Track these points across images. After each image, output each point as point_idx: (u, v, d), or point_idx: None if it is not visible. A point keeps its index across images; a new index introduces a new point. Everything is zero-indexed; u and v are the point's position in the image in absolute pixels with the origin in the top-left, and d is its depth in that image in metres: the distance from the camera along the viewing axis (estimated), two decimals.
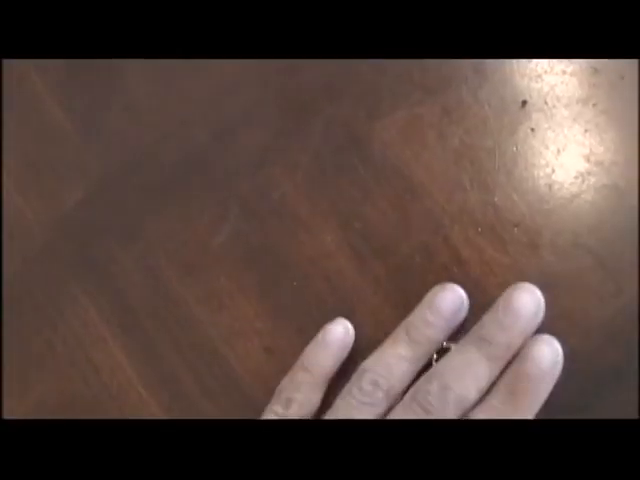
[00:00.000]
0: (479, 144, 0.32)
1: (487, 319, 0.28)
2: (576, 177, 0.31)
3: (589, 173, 0.31)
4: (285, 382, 0.31)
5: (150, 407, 0.33)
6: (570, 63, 0.32)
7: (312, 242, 0.32)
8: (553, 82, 0.32)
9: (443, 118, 0.33)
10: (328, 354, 0.30)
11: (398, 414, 0.28)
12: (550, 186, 0.31)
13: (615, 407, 0.28)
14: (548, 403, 0.29)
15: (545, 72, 0.32)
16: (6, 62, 0.39)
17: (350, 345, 0.31)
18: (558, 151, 0.31)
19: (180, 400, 0.33)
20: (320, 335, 0.31)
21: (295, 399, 0.30)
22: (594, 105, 0.32)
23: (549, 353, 0.27)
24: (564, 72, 0.32)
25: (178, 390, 0.33)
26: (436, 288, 0.30)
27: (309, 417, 0.30)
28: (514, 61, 0.33)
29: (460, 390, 0.27)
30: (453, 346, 0.29)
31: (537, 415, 0.27)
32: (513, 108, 0.32)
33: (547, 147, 0.31)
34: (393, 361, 0.29)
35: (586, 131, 0.31)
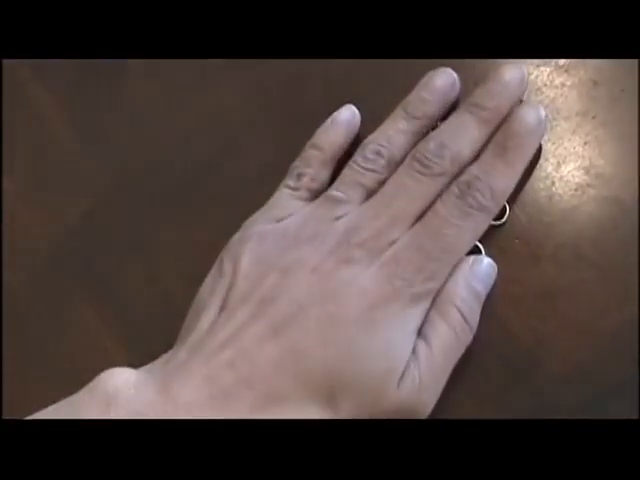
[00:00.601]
0: None
1: (478, 91, 0.31)
2: (576, 189, 0.31)
3: (589, 185, 0.31)
4: (297, 161, 0.33)
5: None
6: (569, 76, 0.32)
7: None
8: (553, 95, 0.32)
9: None
10: (336, 132, 0.33)
11: (399, 174, 0.30)
12: (550, 198, 0.31)
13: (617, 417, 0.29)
14: (549, 412, 0.29)
15: (545, 85, 0.33)
16: (8, 69, 0.39)
17: (357, 127, 0.33)
18: (558, 163, 0.32)
19: None
20: (329, 119, 0.33)
21: (306, 173, 0.32)
22: (594, 117, 0.32)
23: (533, 112, 0.30)
24: (564, 85, 0.32)
25: None
26: (430, 72, 0.32)
27: (318, 192, 0.32)
28: None
29: (455, 147, 0.30)
30: None
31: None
32: None
33: (547, 159, 0.32)
34: (393, 134, 0.31)
35: (586, 143, 0.32)
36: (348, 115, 0.33)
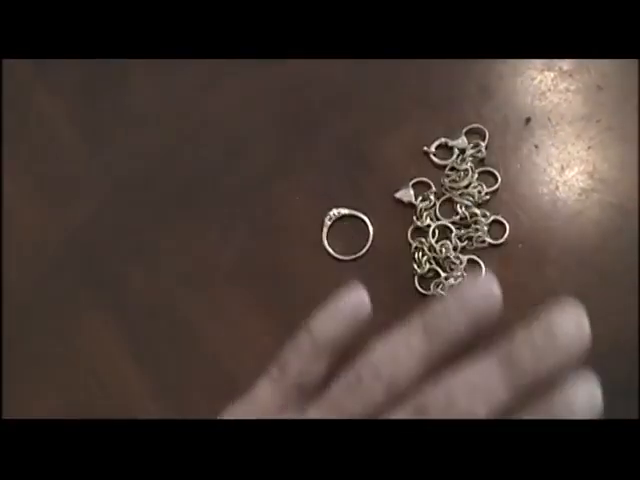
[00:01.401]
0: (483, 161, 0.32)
1: (520, 336, 0.24)
2: (580, 194, 0.31)
3: (593, 190, 0.31)
4: (289, 344, 0.26)
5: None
6: (574, 81, 0.32)
7: (321, 258, 0.32)
8: (557, 100, 0.32)
9: (447, 135, 0.33)
10: (336, 321, 0.26)
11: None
12: (554, 203, 0.31)
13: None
14: None
15: (549, 90, 0.33)
16: (8, 69, 0.39)
17: (363, 317, 0.26)
18: (562, 168, 0.32)
19: (189, 414, 0.33)
20: (333, 304, 0.26)
21: (293, 365, 0.25)
22: (598, 122, 0.32)
23: (585, 400, 0.23)
24: (567, 90, 0.32)
25: (186, 405, 0.33)
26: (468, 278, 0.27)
27: (309, 387, 0.26)
28: (518, 79, 0.33)
29: (467, 407, 0.24)
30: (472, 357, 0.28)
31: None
32: (517, 125, 0.32)
33: (551, 164, 0.32)
34: (403, 352, 0.24)
35: (590, 148, 0.32)
36: (353, 299, 0.26)
